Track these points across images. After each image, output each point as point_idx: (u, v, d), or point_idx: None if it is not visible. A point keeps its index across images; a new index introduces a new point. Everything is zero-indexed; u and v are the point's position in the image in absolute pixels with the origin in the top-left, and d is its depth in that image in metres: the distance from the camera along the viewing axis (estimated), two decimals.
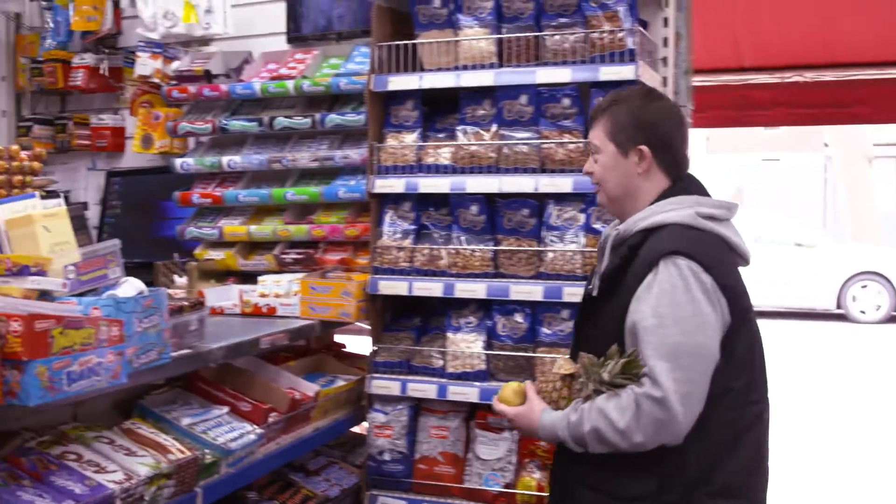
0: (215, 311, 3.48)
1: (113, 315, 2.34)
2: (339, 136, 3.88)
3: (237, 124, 3.90)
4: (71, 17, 4.34)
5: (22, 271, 2.36)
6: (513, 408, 2.43)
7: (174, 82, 4.01)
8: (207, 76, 3.91)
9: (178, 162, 3.99)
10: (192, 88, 3.91)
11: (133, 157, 4.58)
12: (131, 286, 2.50)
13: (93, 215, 4.65)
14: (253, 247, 3.98)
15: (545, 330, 3.27)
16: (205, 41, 4.28)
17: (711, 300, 2.18)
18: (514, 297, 3.26)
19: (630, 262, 2.27)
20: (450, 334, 3.41)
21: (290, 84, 3.77)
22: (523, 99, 3.29)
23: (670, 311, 2.15)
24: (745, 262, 2.38)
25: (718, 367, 2.19)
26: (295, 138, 3.96)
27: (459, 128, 3.42)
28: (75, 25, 4.34)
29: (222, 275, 3.94)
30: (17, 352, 2.04)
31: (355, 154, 3.69)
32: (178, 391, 3.03)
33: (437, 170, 3.41)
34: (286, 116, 3.85)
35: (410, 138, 3.48)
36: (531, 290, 3.22)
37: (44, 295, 2.39)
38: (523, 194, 3.29)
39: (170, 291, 3.67)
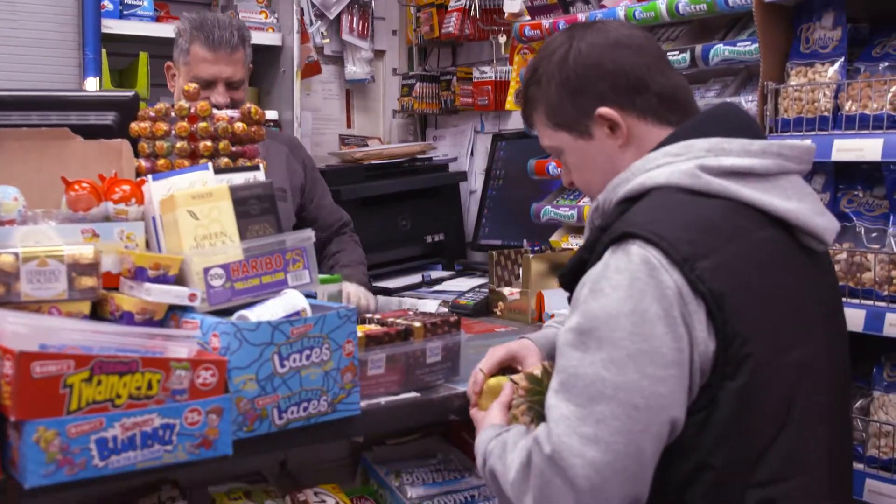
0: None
1: (233, 348, 1.56)
2: (737, 77, 2.67)
3: None
4: None
5: (137, 275, 1.69)
6: (473, 409, 1.78)
7: (527, 18, 3.11)
8: (563, 4, 2.93)
9: None
10: (545, 22, 2.97)
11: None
12: (280, 304, 1.69)
13: (479, 186, 3.99)
14: None
15: None
16: None
17: (670, 315, 1.40)
18: None
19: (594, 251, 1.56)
20: (877, 393, 2.13)
21: (661, 5, 2.66)
22: None
23: (597, 325, 1.43)
24: (820, 242, 1.57)
25: (687, 429, 1.43)
26: None
27: None
28: None
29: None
30: (7, 406, 1.36)
31: (751, 103, 2.48)
32: (437, 440, 2.20)
33: (863, 123, 2.13)
34: None
35: (827, 73, 2.23)
36: None
37: (175, 310, 1.71)
38: None
39: (503, 290, 2.88)
